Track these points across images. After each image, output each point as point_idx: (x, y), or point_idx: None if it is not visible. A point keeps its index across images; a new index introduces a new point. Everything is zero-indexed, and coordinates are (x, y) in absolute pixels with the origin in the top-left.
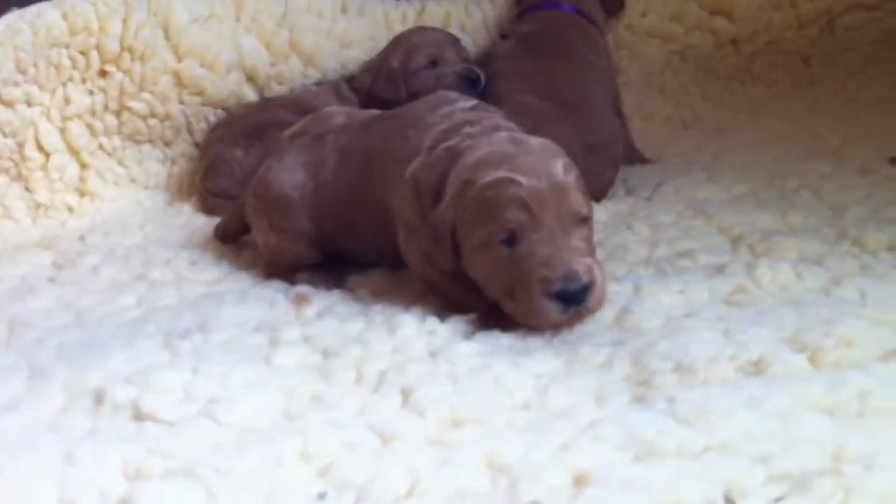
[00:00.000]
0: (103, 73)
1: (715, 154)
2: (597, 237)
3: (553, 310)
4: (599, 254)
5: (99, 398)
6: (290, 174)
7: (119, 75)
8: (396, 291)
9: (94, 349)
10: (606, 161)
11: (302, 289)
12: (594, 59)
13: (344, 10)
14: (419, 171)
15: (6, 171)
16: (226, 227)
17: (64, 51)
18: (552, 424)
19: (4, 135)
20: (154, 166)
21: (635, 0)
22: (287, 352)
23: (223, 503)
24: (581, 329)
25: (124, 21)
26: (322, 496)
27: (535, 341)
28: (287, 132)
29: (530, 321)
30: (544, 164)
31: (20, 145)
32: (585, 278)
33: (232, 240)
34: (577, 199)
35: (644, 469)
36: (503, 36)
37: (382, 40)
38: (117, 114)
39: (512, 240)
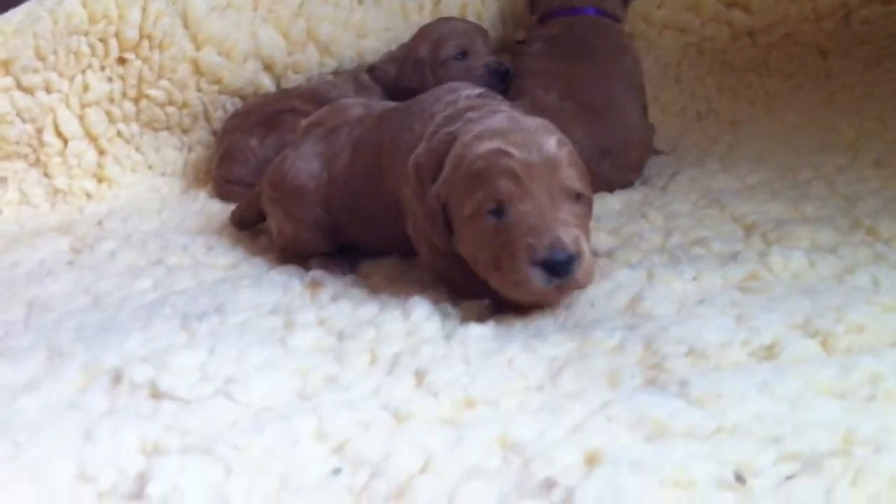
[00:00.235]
0: (122, 61)
1: (730, 145)
2: (611, 225)
3: (538, 279)
4: (613, 241)
5: (117, 378)
6: (306, 164)
7: (137, 63)
8: (409, 278)
9: (111, 331)
10: (622, 167)
11: (316, 274)
12: (621, 59)
13: (361, 0)
14: (420, 157)
15: (25, 156)
16: (241, 214)
17: (83, 38)
18: (565, 406)
19: (24, 121)
20: (171, 153)
21: None
22: (302, 334)
23: (240, 479)
24: (594, 314)
25: (143, 9)
26: (337, 472)
27: (548, 326)
28: (304, 122)
29: (515, 292)
30: (537, 138)
31: (39, 131)
32: (572, 248)
33: (247, 226)
34: (569, 174)
35: (655, 449)
36: (520, 42)
37: (399, 30)
38: (135, 101)
39: (500, 210)
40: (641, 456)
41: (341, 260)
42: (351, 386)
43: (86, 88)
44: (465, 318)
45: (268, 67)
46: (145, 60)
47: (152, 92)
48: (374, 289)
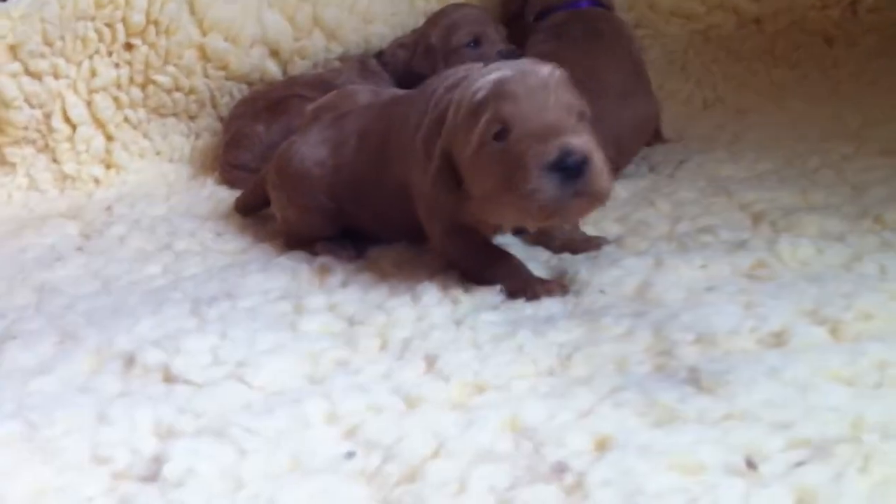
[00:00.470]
0: (129, 47)
1: (736, 133)
2: (618, 213)
3: (552, 185)
4: (621, 229)
5: (129, 361)
6: (312, 151)
7: (144, 49)
8: (418, 263)
9: (122, 315)
10: (629, 153)
11: (325, 259)
12: (628, 47)
13: None
14: (424, 132)
15: (33, 142)
16: (246, 200)
17: (90, 24)
18: (574, 391)
19: (32, 106)
20: (178, 140)
21: None
22: (312, 319)
23: (253, 461)
24: (602, 300)
25: None
26: (350, 456)
27: (557, 312)
28: (310, 106)
29: (533, 211)
30: (533, 67)
31: (47, 117)
32: (583, 150)
33: (252, 212)
34: (568, 92)
35: (665, 434)
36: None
37: (405, 15)
38: (142, 87)
39: (505, 131)
40: (651, 441)
41: (347, 244)
42: (361, 370)
43: (93, 74)
44: (475, 304)
45: (274, 53)
46: (152, 46)
47: (159, 78)
48: (383, 274)
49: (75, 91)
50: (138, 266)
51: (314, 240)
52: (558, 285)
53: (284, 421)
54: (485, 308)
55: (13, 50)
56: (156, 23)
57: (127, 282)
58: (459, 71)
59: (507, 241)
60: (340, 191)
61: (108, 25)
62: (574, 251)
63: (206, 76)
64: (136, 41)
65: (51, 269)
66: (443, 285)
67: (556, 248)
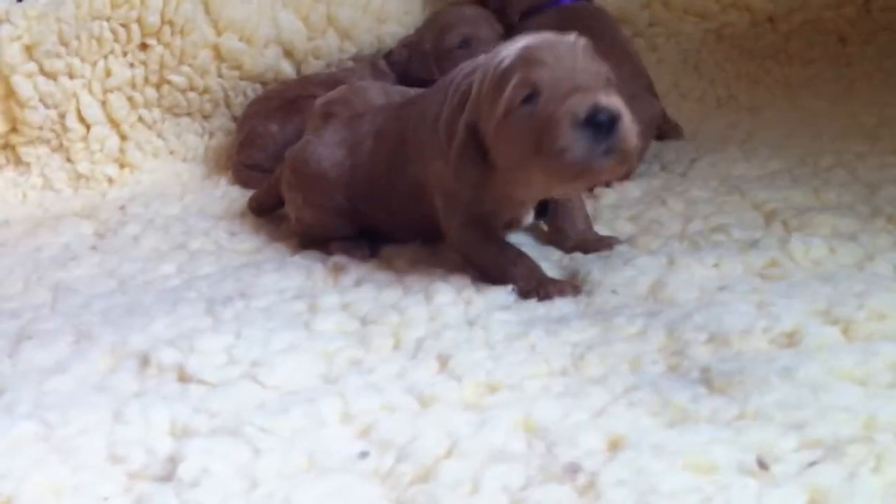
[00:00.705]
0: (144, 47)
1: (749, 132)
2: (631, 212)
3: (584, 142)
4: (633, 228)
5: (144, 361)
6: (328, 151)
7: (159, 48)
8: (432, 262)
9: (137, 314)
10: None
11: (339, 258)
12: (623, 40)
13: None
14: (446, 115)
15: (48, 141)
16: (260, 199)
17: (105, 24)
18: (587, 390)
19: (46, 106)
20: (192, 139)
21: None
22: (326, 318)
23: (269, 460)
24: (615, 300)
25: None
26: (364, 456)
27: (570, 312)
28: (320, 99)
29: (564, 169)
30: (558, 36)
31: (62, 116)
32: (614, 108)
33: (265, 213)
34: (594, 58)
35: (678, 434)
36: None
37: (418, 14)
38: (157, 87)
39: (534, 94)
40: (664, 441)
41: (362, 244)
42: (375, 369)
43: (108, 74)
44: (488, 304)
45: (288, 53)
46: (167, 46)
47: (174, 77)
48: (397, 274)
49: (90, 91)
50: (153, 265)
51: (329, 240)
52: (571, 285)
53: (299, 420)
54: (497, 308)
55: (29, 50)
56: (171, 23)
57: (142, 281)
58: (477, 61)
59: (520, 241)
60: (356, 191)
61: (124, 25)
62: (586, 251)
63: (221, 76)
64: (152, 41)
65: (66, 269)
66: (456, 285)
67: (569, 248)
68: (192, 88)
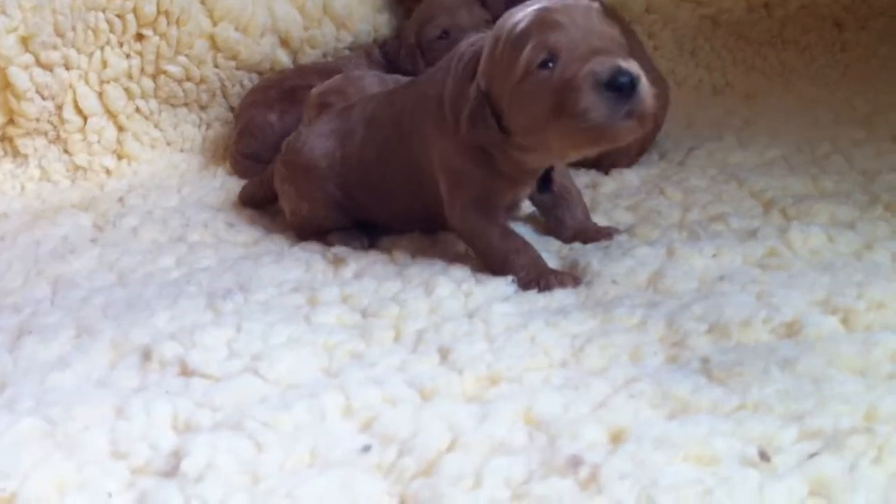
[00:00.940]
0: (140, 37)
1: (746, 119)
2: (629, 201)
3: (605, 103)
4: (632, 217)
5: (146, 355)
6: (320, 141)
7: (155, 39)
8: (432, 253)
9: (138, 308)
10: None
11: (338, 250)
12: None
13: None
14: (451, 90)
15: (45, 133)
16: (252, 192)
17: (101, 14)
18: (588, 382)
19: (43, 98)
20: (189, 130)
21: None
22: (326, 311)
23: (271, 454)
24: (615, 291)
25: None
26: (367, 449)
27: (570, 303)
28: (314, 90)
29: (580, 128)
30: (573, 1)
31: (59, 108)
32: (634, 70)
33: (258, 206)
34: (608, 23)
35: (679, 426)
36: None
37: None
38: (153, 77)
39: (552, 58)
40: (665, 432)
41: (359, 233)
42: (376, 363)
43: (104, 65)
44: (488, 295)
45: (284, 42)
46: (163, 36)
47: (170, 68)
48: (397, 265)
49: (86, 82)
50: (152, 258)
51: (325, 231)
52: (570, 276)
53: (301, 415)
54: (497, 299)
55: (25, 41)
56: (166, 13)
57: (142, 274)
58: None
59: (519, 231)
60: (349, 180)
61: (119, 16)
62: (585, 241)
63: (217, 66)
64: (147, 31)
65: (65, 262)
66: (456, 277)
67: (568, 238)
68: (188, 79)
